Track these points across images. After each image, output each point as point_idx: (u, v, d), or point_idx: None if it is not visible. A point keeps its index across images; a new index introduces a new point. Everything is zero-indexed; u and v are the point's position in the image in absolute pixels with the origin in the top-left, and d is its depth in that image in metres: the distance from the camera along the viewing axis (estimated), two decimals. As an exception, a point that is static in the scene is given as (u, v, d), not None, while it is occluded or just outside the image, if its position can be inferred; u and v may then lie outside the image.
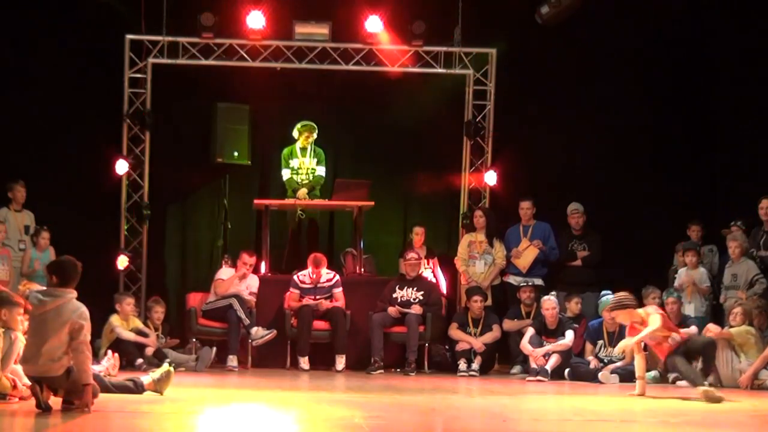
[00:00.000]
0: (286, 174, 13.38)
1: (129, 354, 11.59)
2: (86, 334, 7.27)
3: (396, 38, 13.64)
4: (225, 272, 12.66)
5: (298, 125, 13.34)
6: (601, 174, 13.97)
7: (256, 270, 12.86)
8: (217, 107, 13.68)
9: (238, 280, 12.51)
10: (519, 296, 12.66)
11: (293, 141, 13.44)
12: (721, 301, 12.13)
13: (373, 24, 13.45)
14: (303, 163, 13.36)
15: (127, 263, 13.31)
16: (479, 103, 13.96)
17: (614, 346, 11.38)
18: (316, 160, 13.36)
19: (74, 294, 7.39)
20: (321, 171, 13.40)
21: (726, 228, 12.65)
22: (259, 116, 14.00)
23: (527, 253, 12.99)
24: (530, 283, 12.69)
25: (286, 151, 13.40)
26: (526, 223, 13.21)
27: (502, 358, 12.95)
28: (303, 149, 13.37)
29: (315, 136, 13.38)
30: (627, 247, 13.51)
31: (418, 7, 13.66)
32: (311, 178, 13.36)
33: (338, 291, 12.68)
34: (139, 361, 11.49)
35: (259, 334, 12.15)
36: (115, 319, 11.86)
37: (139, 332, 11.78)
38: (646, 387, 9.99)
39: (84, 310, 7.33)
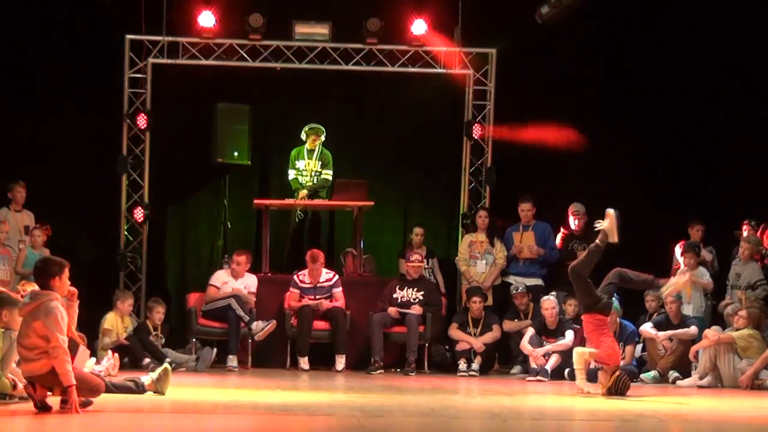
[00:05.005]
0: (291, 174, 13.38)
1: (133, 355, 11.62)
2: (58, 338, 7.23)
3: (396, 38, 13.63)
4: (219, 276, 12.67)
5: (306, 128, 13.34)
6: (601, 174, 13.96)
7: (256, 270, 12.87)
8: (217, 107, 13.68)
9: (234, 279, 12.54)
10: (513, 301, 12.69)
11: (297, 141, 13.44)
12: (726, 301, 12.09)
13: (373, 24, 13.44)
14: (308, 164, 13.36)
15: (127, 263, 13.32)
16: (479, 103, 13.95)
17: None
18: (321, 162, 13.35)
19: (50, 296, 7.35)
20: (327, 174, 13.37)
21: (736, 227, 12.64)
22: (259, 116, 13.99)
23: (525, 240, 13.03)
24: (522, 288, 12.67)
25: (294, 151, 13.40)
26: (526, 224, 13.21)
27: (502, 358, 12.95)
28: (310, 151, 13.36)
29: (323, 138, 13.36)
30: (627, 247, 13.48)
31: (418, 7, 13.65)
32: (315, 180, 13.35)
33: (338, 291, 12.69)
34: (146, 361, 11.50)
35: (260, 327, 12.15)
36: (110, 318, 11.90)
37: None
38: (588, 385, 9.90)
39: (55, 313, 7.25)
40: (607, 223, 9.82)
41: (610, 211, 9.84)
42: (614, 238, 9.80)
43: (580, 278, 9.83)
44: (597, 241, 9.94)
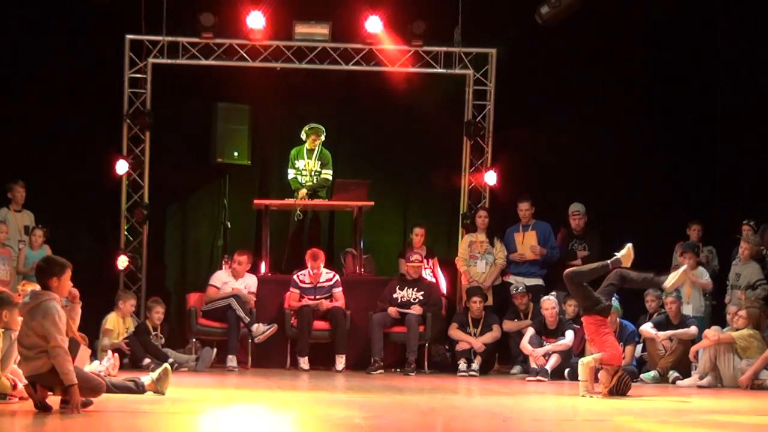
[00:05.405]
0: (290, 174, 13.38)
1: (134, 355, 11.62)
2: (57, 338, 7.22)
3: (396, 38, 13.64)
4: (219, 276, 12.67)
5: (306, 128, 13.33)
6: (601, 174, 13.97)
7: (255, 270, 12.88)
8: (217, 107, 13.69)
9: (234, 279, 12.54)
10: (513, 301, 12.69)
11: (297, 141, 13.44)
12: (726, 301, 12.14)
13: (373, 24, 13.45)
14: (308, 164, 13.35)
15: (127, 263, 13.30)
16: (479, 103, 13.96)
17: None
18: (320, 162, 13.35)
19: (50, 296, 7.34)
20: (327, 174, 13.37)
21: (737, 228, 12.65)
22: (259, 116, 14.01)
23: (527, 240, 13.01)
24: (522, 288, 12.66)
25: (294, 151, 13.40)
26: (526, 224, 13.21)
27: (502, 358, 12.95)
28: (310, 151, 13.36)
29: (323, 138, 13.36)
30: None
31: (418, 7, 13.66)
32: (315, 180, 13.34)
33: (338, 291, 12.69)
34: (146, 361, 11.50)
35: (260, 330, 12.16)
36: (112, 318, 11.90)
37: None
38: (594, 389, 9.87)
39: (52, 313, 7.23)
40: (624, 252, 9.74)
41: (629, 245, 9.78)
42: (627, 264, 9.76)
43: (576, 284, 9.83)
44: (609, 261, 9.79)
